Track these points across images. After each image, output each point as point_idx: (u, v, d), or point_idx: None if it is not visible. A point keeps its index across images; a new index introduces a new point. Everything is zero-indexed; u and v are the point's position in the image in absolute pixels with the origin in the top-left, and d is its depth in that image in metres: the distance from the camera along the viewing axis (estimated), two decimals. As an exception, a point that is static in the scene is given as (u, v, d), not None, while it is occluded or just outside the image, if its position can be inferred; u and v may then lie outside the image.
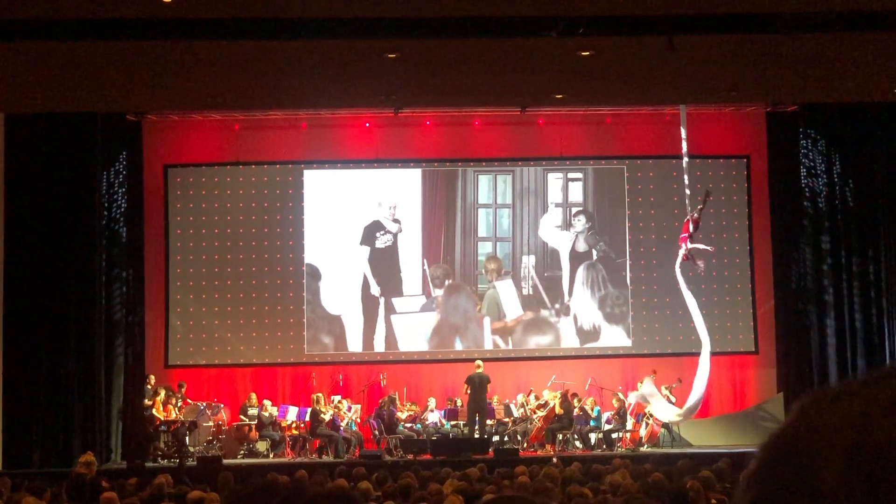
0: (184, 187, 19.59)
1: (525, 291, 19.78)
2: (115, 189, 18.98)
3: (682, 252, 17.82)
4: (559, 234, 19.92)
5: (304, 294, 19.50)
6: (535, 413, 18.27)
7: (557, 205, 19.97)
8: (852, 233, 19.36)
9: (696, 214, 17.83)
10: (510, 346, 19.72)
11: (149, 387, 18.18)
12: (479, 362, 18.01)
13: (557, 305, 19.78)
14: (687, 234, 17.80)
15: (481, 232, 19.94)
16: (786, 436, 0.83)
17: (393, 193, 19.84)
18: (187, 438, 17.81)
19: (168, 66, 13.91)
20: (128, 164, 19.07)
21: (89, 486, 11.31)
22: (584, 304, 19.78)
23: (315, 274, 19.58)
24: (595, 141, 19.94)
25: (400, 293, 19.70)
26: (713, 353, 18.29)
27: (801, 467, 0.80)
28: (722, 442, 17.88)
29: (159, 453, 17.39)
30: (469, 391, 17.69)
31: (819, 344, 19.37)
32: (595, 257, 19.91)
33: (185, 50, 13.14)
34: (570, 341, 19.72)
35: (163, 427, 17.68)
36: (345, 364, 19.50)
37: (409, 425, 18.22)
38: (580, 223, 19.96)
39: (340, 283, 19.62)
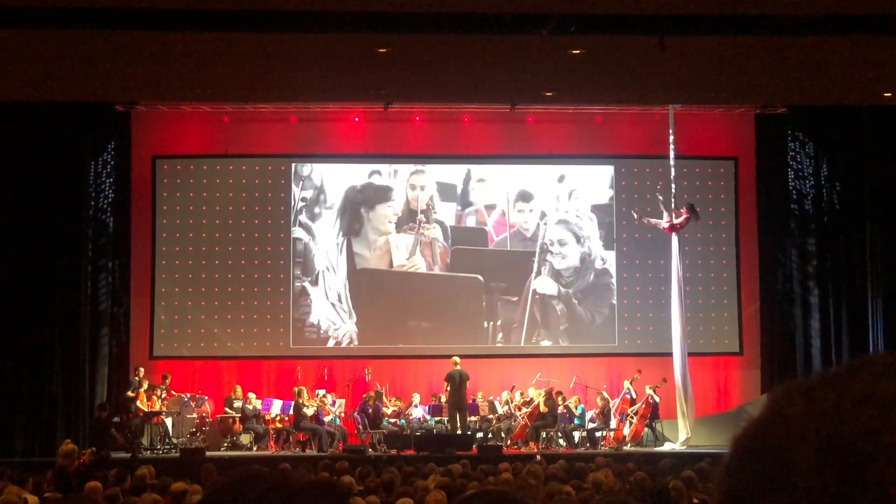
0: (172, 178, 19.54)
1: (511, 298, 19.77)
2: (103, 179, 18.94)
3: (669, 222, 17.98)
4: (548, 233, 19.89)
5: (291, 287, 19.48)
6: (519, 410, 18.29)
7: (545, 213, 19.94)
8: (838, 236, 19.42)
9: (669, 222, 17.99)
10: (498, 343, 19.72)
11: (136, 378, 18.00)
12: (455, 359, 17.97)
13: (539, 303, 19.77)
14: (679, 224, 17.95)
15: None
16: (759, 428, 0.84)
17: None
18: (172, 430, 17.76)
19: (157, 57, 13.88)
20: (116, 154, 19.03)
21: (74, 476, 11.31)
22: (567, 303, 19.76)
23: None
24: (584, 140, 19.95)
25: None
26: (696, 354, 18.38)
27: (774, 460, 0.80)
28: (705, 442, 17.90)
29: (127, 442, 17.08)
30: (448, 388, 17.70)
31: (804, 346, 19.44)
32: (580, 257, 19.88)
33: (175, 41, 13.11)
34: (554, 341, 19.71)
35: (116, 419, 17.53)
36: (330, 358, 19.48)
37: (393, 420, 18.22)
38: (569, 221, 19.94)
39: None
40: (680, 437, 17.86)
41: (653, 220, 18.28)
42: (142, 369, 18.23)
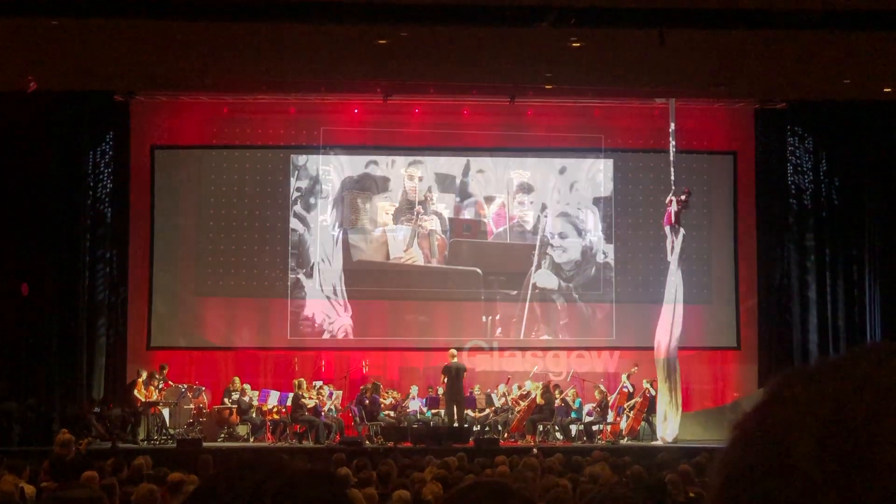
0: (170, 169, 19.51)
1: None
2: (102, 169, 18.93)
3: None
4: (549, 226, 19.88)
5: (289, 278, 19.45)
6: (516, 404, 18.28)
7: (546, 204, 19.91)
8: (837, 231, 19.43)
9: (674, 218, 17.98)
10: (496, 335, 19.71)
11: (147, 372, 17.83)
12: (453, 352, 17.98)
13: (539, 297, 19.76)
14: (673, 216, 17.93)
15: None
16: (758, 414, 0.83)
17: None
18: (169, 421, 17.75)
19: (157, 46, 13.85)
20: (114, 144, 19.01)
21: (70, 466, 11.30)
22: (568, 298, 19.76)
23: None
24: (583, 133, 19.93)
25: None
26: (693, 348, 18.38)
27: (774, 445, 0.80)
28: (701, 437, 17.91)
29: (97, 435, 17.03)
30: (445, 381, 17.70)
31: (801, 340, 19.45)
32: (581, 251, 19.87)
33: (175, 30, 13.09)
34: (553, 336, 19.71)
35: (97, 409, 17.51)
36: (327, 350, 19.48)
37: (390, 413, 18.21)
38: (570, 214, 19.93)
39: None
40: (669, 428, 17.78)
41: (669, 235, 18.06)
42: (155, 372, 18.01)
